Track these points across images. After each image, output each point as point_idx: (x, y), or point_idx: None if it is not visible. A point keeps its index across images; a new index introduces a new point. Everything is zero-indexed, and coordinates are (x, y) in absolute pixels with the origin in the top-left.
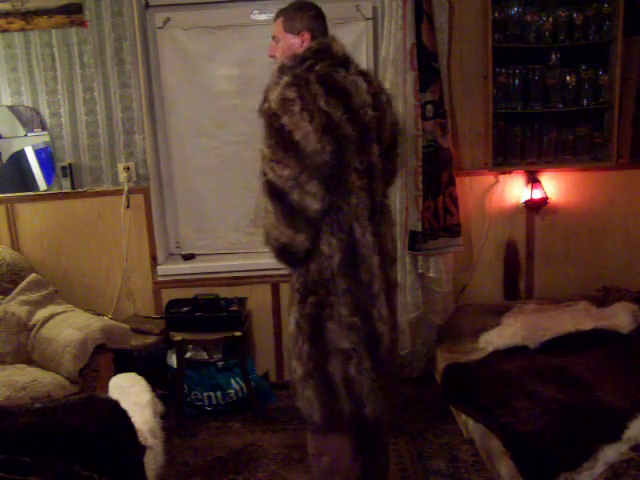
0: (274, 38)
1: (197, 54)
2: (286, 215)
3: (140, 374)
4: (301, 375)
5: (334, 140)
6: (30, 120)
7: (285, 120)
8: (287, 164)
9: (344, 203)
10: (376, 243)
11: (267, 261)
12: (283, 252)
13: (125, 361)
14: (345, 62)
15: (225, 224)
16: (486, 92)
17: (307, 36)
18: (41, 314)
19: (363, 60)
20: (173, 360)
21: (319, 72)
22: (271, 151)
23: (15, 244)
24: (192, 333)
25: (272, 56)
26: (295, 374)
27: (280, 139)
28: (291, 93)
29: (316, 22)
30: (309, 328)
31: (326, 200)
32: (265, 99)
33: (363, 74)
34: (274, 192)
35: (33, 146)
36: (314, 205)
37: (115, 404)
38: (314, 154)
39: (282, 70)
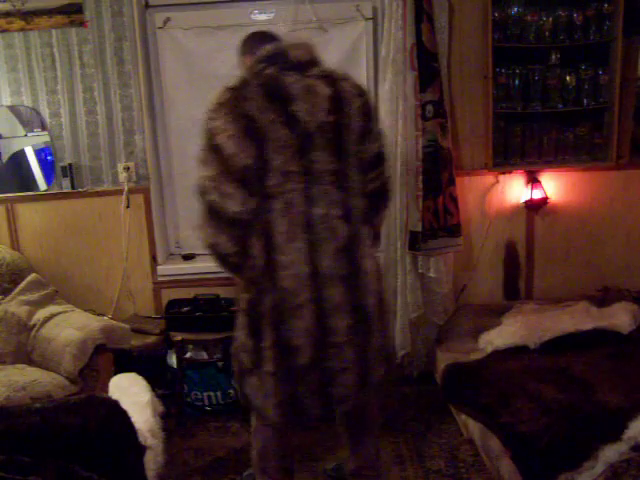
0: None
1: (197, 54)
2: (208, 215)
3: (140, 374)
4: (248, 365)
5: (258, 144)
6: (30, 120)
7: (213, 123)
8: (209, 165)
9: (268, 206)
10: (306, 253)
11: None
12: (214, 253)
13: (125, 361)
14: (302, 65)
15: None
16: (486, 92)
17: (248, 58)
18: (41, 314)
19: (363, 60)
20: (173, 360)
21: (266, 75)
22: (202, 153)
23: (15, 244)
24: (192, 333)
25: None
26: (243, 364)
27: (207, 141)
28: (224, 96)
29: (254, 42)
30: (247, 323)
31: (249, 203)
32: None
33: (328, 77)
34: (198, 192)
35: (33, 146)
36: (232, 207)
37: (115, 404)
38: (233, 157)
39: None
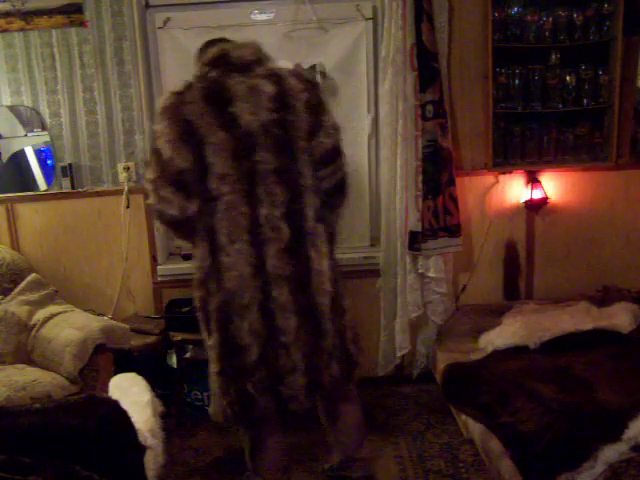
0: None
1: None
2: (154, 215)
3: (140, 374)
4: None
5: (196, 147)
6: (30, 120)
7: (155, 127)
8: (151, 168)
9: (211, 209)
10: (250, 254)
11: None
12: None
13: (125, 361)
14: (246, 66)
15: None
16: (486, 92)
17: (200, 64)
18: (41, 314)
19: (363, 60)
20: (173, 360)
21: (209, 78)
22: (148, 156)
23: (15, 244)
24: (192, 333)
25: None
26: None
27: (151, 145)
28: (167, 101)
29: (205, 48)
30: (202, 320)
31: (188, 207)
32: None
33: (273, 75)
34: (145, 193)
35: (33, 146)
36: (169, 211)
37: (115, 404)
38: (170, 161)
39: None
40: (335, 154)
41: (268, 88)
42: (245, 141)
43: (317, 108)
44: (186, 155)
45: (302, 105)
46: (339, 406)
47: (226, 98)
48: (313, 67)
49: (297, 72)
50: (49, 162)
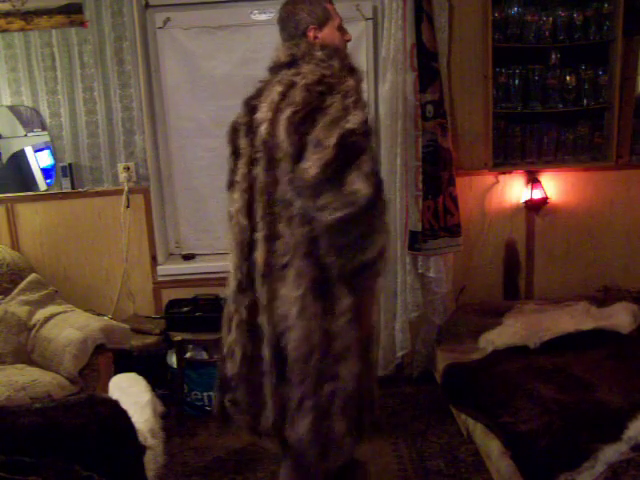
0: None
1: (197, 54)
2: None
3: (140, 374)
4: None
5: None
6: (30, 120)
7: None
8: None
9: None
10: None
11: None
12: None
13: (125, 361)
14: (279, 68)
15: (225, 224)
16: (486, 92)
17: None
18: (41, 314)
19: (363, 60)
20: (173, 360)
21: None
22: None
23: (15, 244)
24: (192, 333)
25: None
26: None
27: None
28: None
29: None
30: None
31: None
32: None
33: (286, 85)
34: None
35: (33, 146)
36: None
37: (115, 404)
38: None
39: None
40: (317, 188)
41: (275, 97)
42: (254, 150)
43: (302, 126)
44: (230, 163)
45: (285, 121)
46: None
47: (253, 105)
48: None
49: (309, 83)
50: (49, 160)
